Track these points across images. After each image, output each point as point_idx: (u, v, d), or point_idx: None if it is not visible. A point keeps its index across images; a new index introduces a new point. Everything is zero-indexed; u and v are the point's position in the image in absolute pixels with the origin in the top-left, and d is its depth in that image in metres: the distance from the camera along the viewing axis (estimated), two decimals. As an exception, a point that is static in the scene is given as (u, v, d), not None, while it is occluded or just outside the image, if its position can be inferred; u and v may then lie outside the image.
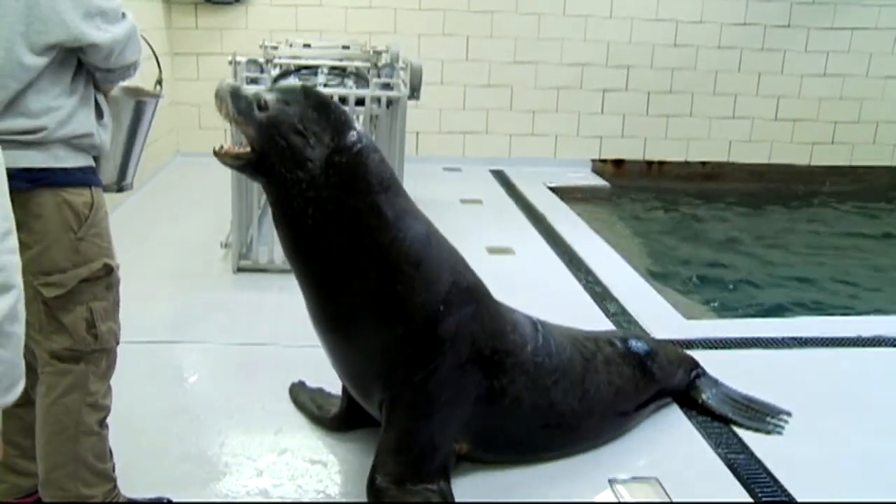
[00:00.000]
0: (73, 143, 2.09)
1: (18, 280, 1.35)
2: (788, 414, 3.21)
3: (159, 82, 2.65)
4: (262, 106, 2.29)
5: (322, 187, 2.30)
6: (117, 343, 2.29)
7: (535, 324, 2.86)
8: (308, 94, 2.36)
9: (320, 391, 3.20)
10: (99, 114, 2.18)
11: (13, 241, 1.34)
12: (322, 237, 2.36)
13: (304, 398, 3.16)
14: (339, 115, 2.36)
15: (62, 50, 2.02)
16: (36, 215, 2.04)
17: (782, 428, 3.14)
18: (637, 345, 3.18)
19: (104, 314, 2.21)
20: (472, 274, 2.68)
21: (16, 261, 1.34)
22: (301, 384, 3.25)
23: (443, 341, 2.51)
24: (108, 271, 2.20)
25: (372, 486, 2.53)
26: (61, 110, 2.05)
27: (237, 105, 2.29)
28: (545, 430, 2.82)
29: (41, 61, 1.99)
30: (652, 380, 3.13)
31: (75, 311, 2.15)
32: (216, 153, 2.37)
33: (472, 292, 2.63)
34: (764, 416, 3.20)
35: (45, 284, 2.10)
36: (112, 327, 2.25)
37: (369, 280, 2.42)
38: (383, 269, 2.42)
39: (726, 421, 3.18)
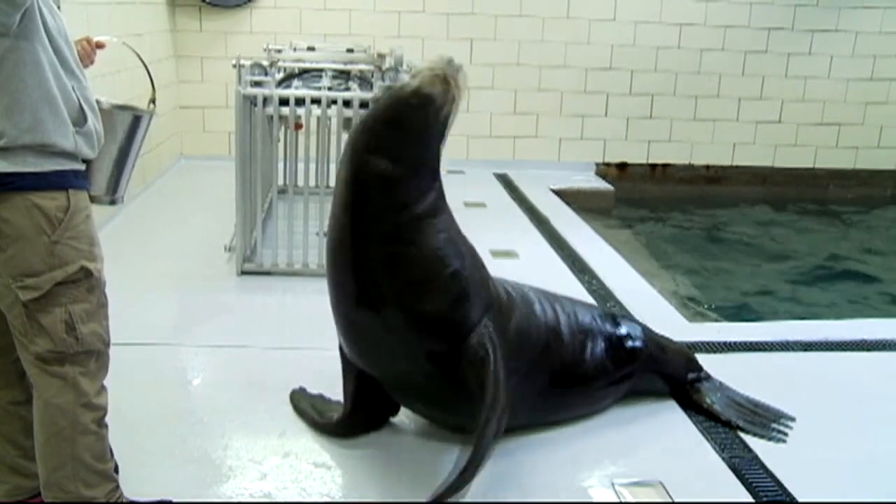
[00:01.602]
0: (44, 150, 2.07)
1: None
2: (792, 419, 3.21)
3: (153, 101, 2.67)
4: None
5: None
6: (106, 345, 2.28)
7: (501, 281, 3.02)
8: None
9: (321, 397, 3.20)
10: (80, 120, 2.14)
11: None
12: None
13: (304, 405, 3.16)
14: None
15: (8, 49, 1.98)
16: (4, 219, 2.04)
17: (786, 434, 3.14)
18: (616, 315, 3.41)
19: (85, 316, 2.19)
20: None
21: None
22: (301, 390, 3.25)
23: (484, 301, 2.72)
24: (87, 274, 2.18)
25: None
26: (24, 116, 2.01)
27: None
28: (541, 355, 2.96)
29: None
30: (628, 352, 3.24)
31: (53, 314, 2.14)
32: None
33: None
34: (769, 422, 3.20)
35: (21, 287, 2.10)
36: (96, 329, 2.23)
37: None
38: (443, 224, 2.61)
39: (731, 426, 3.18)
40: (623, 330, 3.28)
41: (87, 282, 2.19)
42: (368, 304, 2.63)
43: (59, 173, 2.11)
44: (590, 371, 3.11)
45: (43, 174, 2.08)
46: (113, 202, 2.51)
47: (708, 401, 3.28)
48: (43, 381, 2.18)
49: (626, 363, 3.23)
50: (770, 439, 3.11)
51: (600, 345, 3.16)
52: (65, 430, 2.18)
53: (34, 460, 2.27)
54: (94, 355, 2.23)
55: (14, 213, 2.05)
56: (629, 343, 3.26)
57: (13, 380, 2.34)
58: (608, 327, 3.25)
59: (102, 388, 2.28)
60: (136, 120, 2.50)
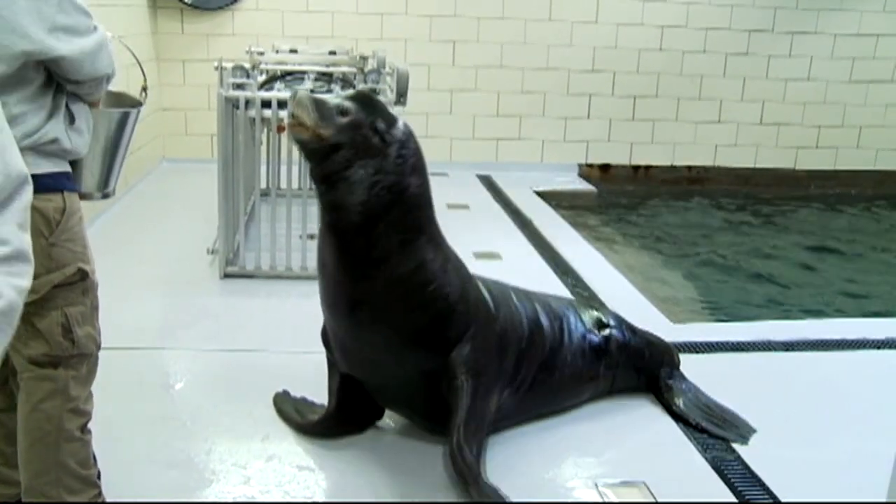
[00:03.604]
0: (42, 149, 2.07)
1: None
2: (754, 431, 3.18)
3: (144, 89, 2.66)
4: (345, 111, 2.61)
5: (391, 172, 2.61)
6: (98, 348, 2.28)
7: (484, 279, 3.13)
8: (373, 99, 2.78)
9: (304, 400, 3.19)
10: (70, 119, 2.16)
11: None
12: (381, 213, 2.61)
13: (287, 408, 3.15)
14: (392, 116, 2.74)
15: (28, 62, 2.02)
16: None
17: (745, 440, 3.12)
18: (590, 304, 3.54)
19: (81, 319, 2.19)
20: None
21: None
22: (285, 393, 3.24)
23: (469, 310, 2.80)
24: (83, 276, 2.18)
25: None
26: (27, 122, 2.03)
27: (321, 112, 2.58)
28: (524, 359, 3.03)
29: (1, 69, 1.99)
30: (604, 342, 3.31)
31: (50, 317, 2.13)
32: (297, 125, 2.58)
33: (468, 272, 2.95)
34: (730, 426, 3.20)
35: None
36: (90, 332, 2.23)
37: (416, 251, 2.67)
38: (430, 241, 2.72)
39: (690, 424, 3.19)
40: (600, 318, 3.41)
41: (83, 284, 2.19)
42: (355, 313, 2.72)
43: (53, 175, 2.11)
44: (571, 359, 3.19)
45: (39, 176, 2.06)
46: (105, 196, 2.50)
47: (676, 401, 3.31)
48: (33, 386, 2.16)
49: (605, 353, 3.30)
50: (728, 440, 3.10)
51: (579, 333, 3.26)
52: (50, 436, 2.17)
53: (15, 468, 2.25)
54: (86, 359, 2.23)
55: None
56: (607, 332, 3.36)
57: None
58: (585, 317, 3.37)
59: (90, 394, 2.27)
60: (125, 113, 2.49)
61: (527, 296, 3.22)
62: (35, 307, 2.11)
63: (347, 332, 2.78)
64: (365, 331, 2.73)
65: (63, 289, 2.14)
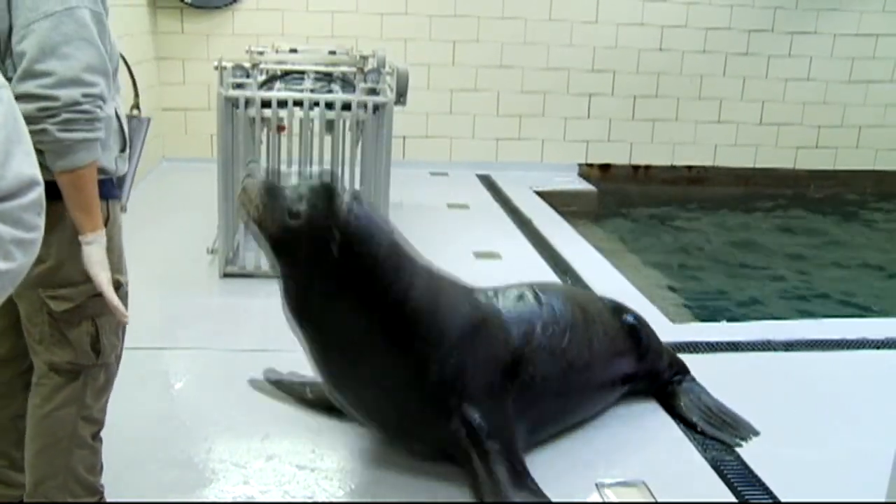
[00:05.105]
0: None
1: None
2: (756, 433, 3.17)
3: (136, 107, 2.65)
4: (295, 215, 2.42)
5: (333, 278, 2.49)
6: (118, 359, 2.27)
7: (536, 294, 2.99)
8: (333, 196, 2.45)
9: (293, 375, 3.29)
10: (122, 145, 2.16)
11: None
12: (337, 321, 2.56)
13: (285, 383, 3.26)
14: (370, 220, 2.53)
15: None
16: (51, 227, 2.01)
17: (742, 443, 3.10)
18: (622, 307, 3.39)
19: (108, 329, 2.18)
20: (471, 294, 2.81)
21: None
22: (271, 371, 3.33)
23: (469, 373, 2.66)
24: (117, 287, 2.16)
25: None
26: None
27: (272, 210, 2.41)
28: (565, 394, 2.94)
29: None
30: (637, 345, 3.24)
31: (81, 326, 2.12)
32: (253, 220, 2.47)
33: (481, 318, 2.77)
34: (728, 428, 3.18)
35: (53, 297, 2.06)
36: (115, 343, 2.22)
37: (386, 343, 2.57)
38: (398, 331, 2.56)
39: (687, 423, 3.19)
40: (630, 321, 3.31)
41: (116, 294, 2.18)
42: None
43: (100, 182, 2.08)
44: (600, 365, 3.13)
45: None
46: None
47: (678, 401, 3.30)
48: (49, 392, 2.15)
49: (633, 352, 3.26)
50: (723, 442, 3.09)
51: (610, 338, 3.18)
52: (62, 442, 2.16)
53: (21, 471, 2.24)
54: (105, 369, 2.22)
55: (62, 221, 2.00)
56: (635, 334, 3.29)
57: (17, 392, 2.29)
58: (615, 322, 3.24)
59: (105, 403, 2.27)
60: (133, 129, 2.48)
61: (561, 303, 3.03)
62: (68, 315, 2.09)
63: (328, 378, 2.78)
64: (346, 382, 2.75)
65: (98, 298, 2.10)
